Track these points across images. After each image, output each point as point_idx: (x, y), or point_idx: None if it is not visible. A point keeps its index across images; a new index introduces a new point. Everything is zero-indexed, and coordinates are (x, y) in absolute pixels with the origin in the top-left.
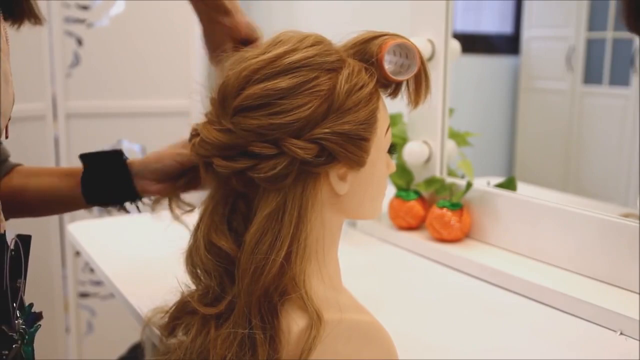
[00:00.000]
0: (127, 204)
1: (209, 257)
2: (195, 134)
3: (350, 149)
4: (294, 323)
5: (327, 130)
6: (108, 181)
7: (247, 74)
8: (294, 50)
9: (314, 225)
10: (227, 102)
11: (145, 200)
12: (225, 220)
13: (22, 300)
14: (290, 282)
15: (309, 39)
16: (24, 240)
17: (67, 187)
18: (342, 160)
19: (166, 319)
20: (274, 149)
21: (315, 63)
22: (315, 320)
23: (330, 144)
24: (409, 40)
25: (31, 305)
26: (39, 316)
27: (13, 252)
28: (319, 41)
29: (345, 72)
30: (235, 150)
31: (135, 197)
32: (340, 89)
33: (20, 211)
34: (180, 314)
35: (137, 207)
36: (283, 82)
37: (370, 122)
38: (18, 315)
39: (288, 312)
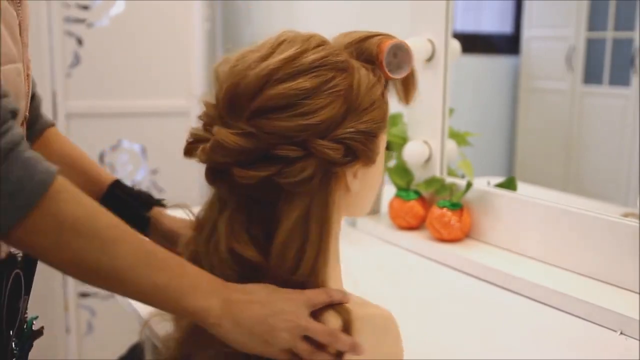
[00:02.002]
0: None
1: (235, 269)
2: (198, 139)
3: (369, 146)
4: (329, 324)
5: (351, 130)
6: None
7: (265, 74)
8: (306, 51)
9: (333, 226)
10: (240, 104)
11: None
12: (245, 229)
13: (21, 322)
14: (317, 285)
15: (314, 39)
16: (30, 257)
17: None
18: (362, 158)
19: (172, 347)
20: (301, 151)
21: (330, 63)
22: (348, 319)
23: (355, 142)
24: (402, 40)
25: (31, 324)
26: (37, 334)
27: (17, 272)
28: (323, 41)
29: (360, 72)
30: (255, 155)
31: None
32: (358, 88)
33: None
34: (194, 348)
35: None
36: (307, 82)
37: (384, 119)
38: (14, 340)
39: (319, 314)
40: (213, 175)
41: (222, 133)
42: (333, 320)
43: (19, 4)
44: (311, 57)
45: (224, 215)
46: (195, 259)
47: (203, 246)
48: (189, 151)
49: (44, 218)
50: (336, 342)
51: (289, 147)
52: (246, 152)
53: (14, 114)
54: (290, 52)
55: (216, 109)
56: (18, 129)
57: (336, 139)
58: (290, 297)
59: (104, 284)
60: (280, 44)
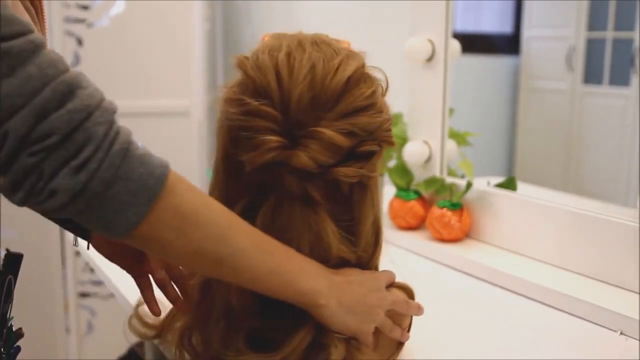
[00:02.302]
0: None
1: (328, 265)
2: (275, 148)
3: None
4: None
5: (390, 121)
6: None
7: (350, 75)
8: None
9: None
10: (324, 105)
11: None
12: (339, 230)
13: (8, 327)
14: (376, 269)
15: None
16: (14, 260)
17: None
18: None
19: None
20: (377, 145)
21: None
22: (411, 291)
23: (391, 132)
24: None
25: (11, 327)
26: (18, 335)
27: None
28: None
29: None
30: (345, 154)
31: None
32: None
33: None
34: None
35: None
36: (376, 81)
37: None
38: (1, 344)
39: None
40: (305, 179)
41: (330, 134)
42: (401, 294)
43: (43, 28)
44: (363, 57)
45: (320, 219)
46: None
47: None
48: (271, 164)
49: (167, 211)
50: (410, 308)
51: (372, 142)
52: (346, 150)
53: (115, 112)
54: (357, 55)
55: (284, 112)
56: (125, 128)
57: (388, 130)
58: (375, 277)
59: (220, 271)
60: (317, 43)
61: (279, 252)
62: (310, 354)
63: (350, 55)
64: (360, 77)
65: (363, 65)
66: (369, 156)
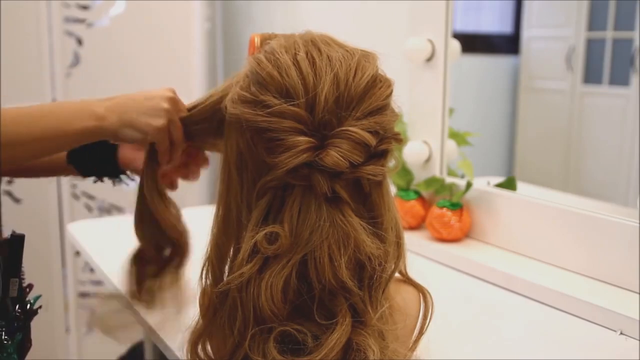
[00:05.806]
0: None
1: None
2: (306, 150)
3: None
4: (412, 295)
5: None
6: (94, 150)
7: (372, 75)
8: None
9: None
10: (347, 104)
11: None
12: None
13: (5, 303)
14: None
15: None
16: (17, 240)
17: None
18: None
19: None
20: (391, 143)
21: None
22: (422, 289)
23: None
24: None
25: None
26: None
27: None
28: None
29: None
30: (370, 152)
31: (116, 169)
32: None
33: (9, 173)
34: None
35: (119, 180)
36: (389, 80)
37: None
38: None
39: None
40: (334, 178)
41: (361, 133)
42: (409, 294)
43: None
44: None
45: (349, 217)
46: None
47: (324, 250)
48: (300, 166)
49: None
50: (179, 104)
51: (387, 140)
52: (371, 149)
53: None
54: (370, 54)
55: (310, 112)
56: None
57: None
58: (150, 90)
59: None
60: (328, 43)
61: (47, 105)
62: (344, 356)
63: (364, 54)
64: (377, 77)
65: (378, 65)
66: (386, 154)
